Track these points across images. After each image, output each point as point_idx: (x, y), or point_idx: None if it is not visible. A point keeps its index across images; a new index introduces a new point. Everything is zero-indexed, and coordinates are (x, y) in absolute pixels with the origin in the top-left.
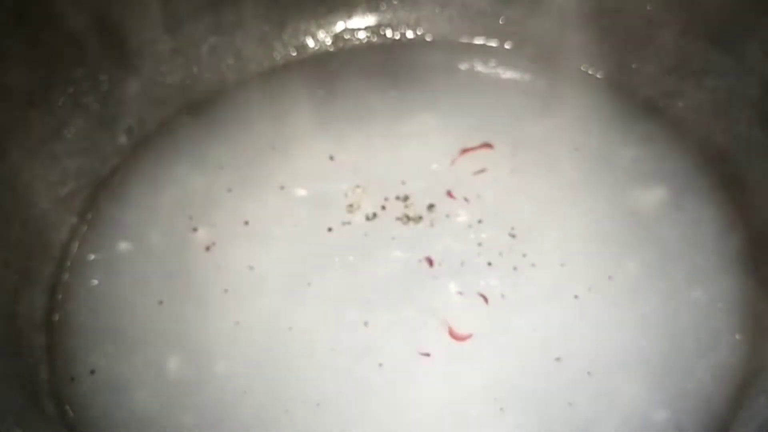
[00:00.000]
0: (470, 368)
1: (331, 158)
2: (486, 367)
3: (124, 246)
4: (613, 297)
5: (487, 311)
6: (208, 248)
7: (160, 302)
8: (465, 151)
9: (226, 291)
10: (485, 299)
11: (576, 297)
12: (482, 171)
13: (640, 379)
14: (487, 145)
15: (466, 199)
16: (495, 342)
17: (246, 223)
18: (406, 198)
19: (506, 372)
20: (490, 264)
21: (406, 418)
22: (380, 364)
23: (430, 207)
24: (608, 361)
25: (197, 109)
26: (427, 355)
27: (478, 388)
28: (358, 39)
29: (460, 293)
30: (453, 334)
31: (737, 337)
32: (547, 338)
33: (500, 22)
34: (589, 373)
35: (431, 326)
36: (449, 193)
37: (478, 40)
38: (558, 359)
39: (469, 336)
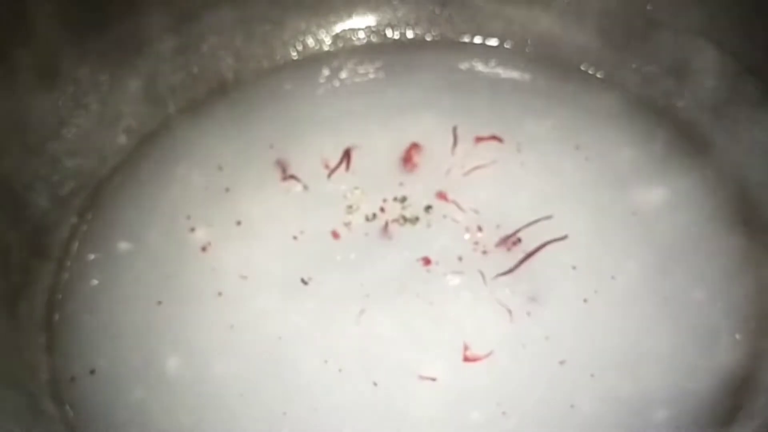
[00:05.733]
0: (472, 371)
1: (330, 159)
2: (488, 371)
3: (123, 246)
4: (616, 298)
5: (489, 315)
6: (204, 248)
7: (159, 302)
8: (479, 139)
9: (220, 294)
10: (492, 304)
11: (585, 300)
12: (481, 171)
13: (640, 379)
14: (497, 138)
15: (463, 201)
16: (497, 346)
17: (240, 223)
18: (404, 199)
19: (509, 376)
20: (489, 265)
21: (405, 419)
22: (379, 365)
23: (428, 208)
24: (610, 362)
25: (197, 109)
26: (432, 378)
27: (480, 392)
28: (358, 39)
29: (459, 295)
30: (467, 358)
31: (737, 337)
32: (554, 342)
33: (500, 22)
34: (592, 375)
35: (430, 327)
36: (447, 195)
37: (478, 40)
38: (562, 362)
39: (487, 355)
